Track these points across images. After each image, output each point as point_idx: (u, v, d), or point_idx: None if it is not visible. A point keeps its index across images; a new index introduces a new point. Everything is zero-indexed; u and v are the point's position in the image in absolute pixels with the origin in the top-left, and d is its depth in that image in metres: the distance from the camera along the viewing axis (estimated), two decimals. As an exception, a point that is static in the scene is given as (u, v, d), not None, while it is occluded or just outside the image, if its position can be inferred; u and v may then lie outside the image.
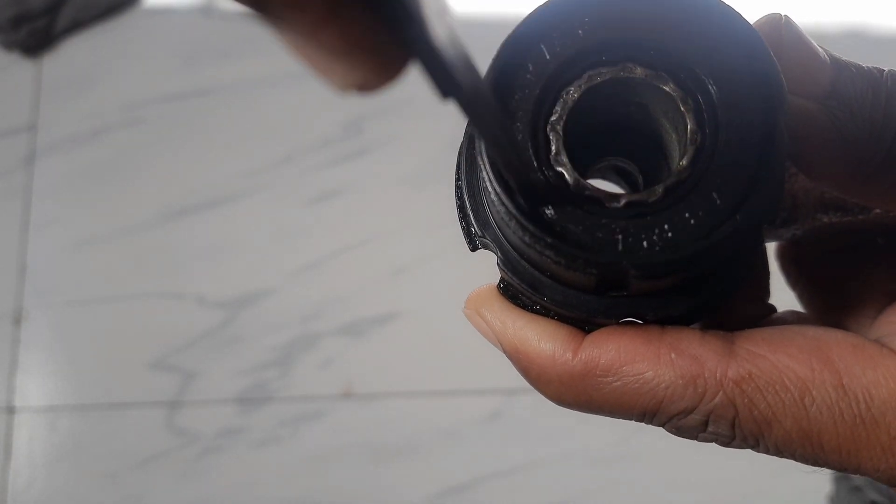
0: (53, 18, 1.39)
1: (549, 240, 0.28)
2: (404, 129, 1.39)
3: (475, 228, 0.33)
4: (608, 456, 1.22)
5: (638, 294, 0.31)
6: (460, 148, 0.34)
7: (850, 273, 0.40)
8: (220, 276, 1.30)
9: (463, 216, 0.34)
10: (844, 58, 0.31)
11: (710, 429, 0.31)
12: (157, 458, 1.22)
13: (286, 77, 1.41)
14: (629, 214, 0.29)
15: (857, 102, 0.30)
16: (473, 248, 0.33)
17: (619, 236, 0.29)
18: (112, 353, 1.27)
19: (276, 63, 1.42)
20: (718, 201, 0.28)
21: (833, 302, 0.41)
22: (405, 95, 1.41)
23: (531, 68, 0.30)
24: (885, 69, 0.31)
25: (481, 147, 0.29)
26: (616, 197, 0.29)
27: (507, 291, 0.34)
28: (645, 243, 0.28)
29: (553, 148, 0.30)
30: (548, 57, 0.30)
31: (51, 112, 1.38)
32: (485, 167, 0.29)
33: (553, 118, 0.30)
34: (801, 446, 0.30)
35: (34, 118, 1.37)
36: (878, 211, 0.36)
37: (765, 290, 0.40)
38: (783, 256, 0.43)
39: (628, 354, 0.30)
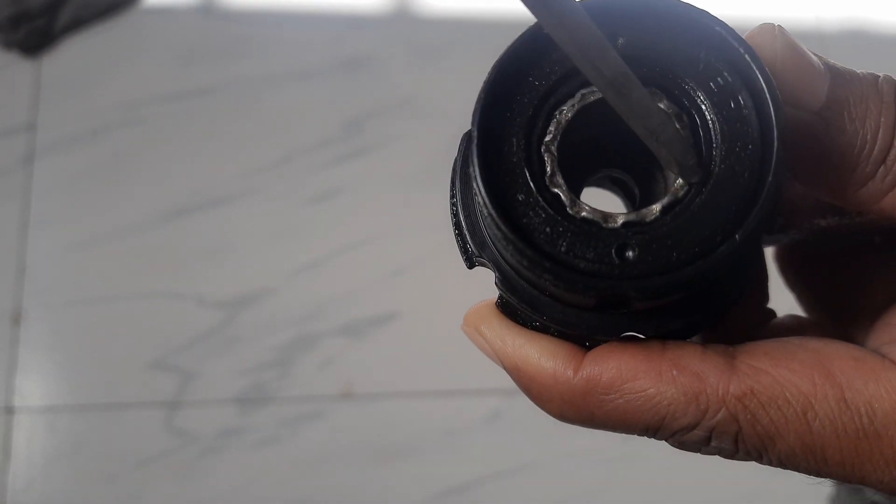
0: (53, 18, 1.39)
1: (547, 264, 0.28)
2: (404, 129, 1.39)
3: (472, 248, 0.32)
4: (608, 456, 1.22)
5: (639, 311, 0.30)
6: (454, 164, 0.33)
7: (848, 273, 0.40)
8: (220, 276, 1.30)
9: (459, 234, 0.33)
10: (839, 64, 0.31)
11: (713, 443, 0.31)
12: (156, 459, 1.22)
13: (286, 77, 1.41)
14: (627, 234, 0.29)
15: (853, 110, 0.30)
16: (470, 266, 0.33)
17: (617, 258, 0.28)
18: (111, 353, 1.27)
19: (276, 63, 1.42)
20: (717, 219, 0.28)
21: (832, 302, 0.41)
22: (405, 95, 1.41)
23: (523, 89, 0.30)
24: (881, 75, 0.31)
25: (476, 169, 0.28)
26: (613, 217, 0.29)
27: (506, 308, 0.33)
28: (644, 265, 0.28)
29: (548, 169, 0.29)
30: (539, 78, 0.30)
31: (50, 112, 1.38)
32: (480, 190, 0.28)
33: (547, 139, 0.30)
34: (805, 460, 0.30)
35: (33, 118, 1.37)
36: None
37: (764, 295, 0.40)
38: (781, 259, 0.43)
39: (630, 372, 0.30)
